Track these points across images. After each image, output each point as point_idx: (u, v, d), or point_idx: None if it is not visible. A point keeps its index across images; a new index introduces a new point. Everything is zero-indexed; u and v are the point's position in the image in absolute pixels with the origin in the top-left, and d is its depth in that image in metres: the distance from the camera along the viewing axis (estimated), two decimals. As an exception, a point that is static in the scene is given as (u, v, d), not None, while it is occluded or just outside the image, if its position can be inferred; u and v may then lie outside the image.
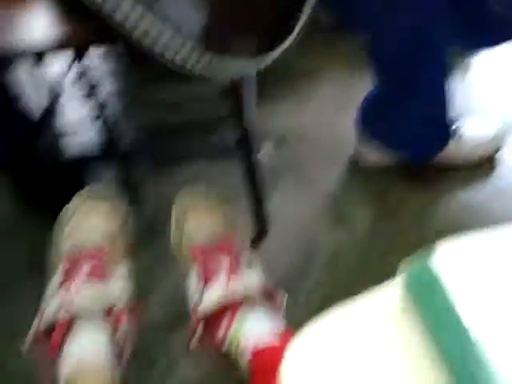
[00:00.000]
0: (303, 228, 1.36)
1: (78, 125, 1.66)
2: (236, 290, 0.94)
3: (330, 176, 1.49)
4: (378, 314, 0.44)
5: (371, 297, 0.46)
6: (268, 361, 0.84)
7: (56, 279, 0.94)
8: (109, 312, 0.90)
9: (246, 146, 1.26)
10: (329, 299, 1.20)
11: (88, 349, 0.86)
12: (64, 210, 1.04)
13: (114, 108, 1.75)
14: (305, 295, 1.22)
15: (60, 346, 0.86)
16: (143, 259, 1.34)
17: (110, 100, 1.78)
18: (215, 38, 0.91)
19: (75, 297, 0.89)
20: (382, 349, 0.42)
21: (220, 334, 0.91)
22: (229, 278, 0.95)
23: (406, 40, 1.21)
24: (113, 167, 1.61)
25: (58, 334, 0.86)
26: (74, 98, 1.69)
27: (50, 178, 1.39)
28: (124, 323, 0.91)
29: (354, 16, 1.25)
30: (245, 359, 0.88)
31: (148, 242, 1.38)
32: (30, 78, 1.56)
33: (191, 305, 0.97)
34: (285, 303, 0.97)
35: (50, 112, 1.41)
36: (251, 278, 0.97)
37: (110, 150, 1.61)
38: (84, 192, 1.06)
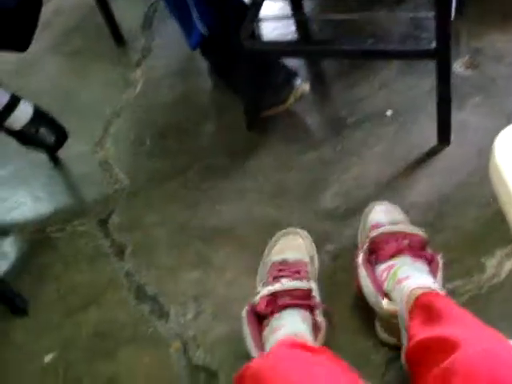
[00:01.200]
0: (485, 141, 1.35)
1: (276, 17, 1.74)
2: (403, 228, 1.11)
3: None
4: None
5: None
6: (432, 301, 0.94)
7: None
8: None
9: (443, 53, 1.26)
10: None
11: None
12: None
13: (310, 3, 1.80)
14: (477, 208, 1.23)
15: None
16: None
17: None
18: None
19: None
20: None
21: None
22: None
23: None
24: (304, 61, 1.68)
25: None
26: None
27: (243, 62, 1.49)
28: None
29: None
30: (402, 293, 0.98)
31: (334, 135, 1.46)
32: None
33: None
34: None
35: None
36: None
37: (303, 45, 1.67)
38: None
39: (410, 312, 0.95)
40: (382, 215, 1.20)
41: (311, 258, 1.17)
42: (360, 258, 1.10)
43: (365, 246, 1.11)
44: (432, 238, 1.13)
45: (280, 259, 1.17)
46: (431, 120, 1.37)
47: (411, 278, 1.01)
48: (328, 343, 1.04)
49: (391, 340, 1.06)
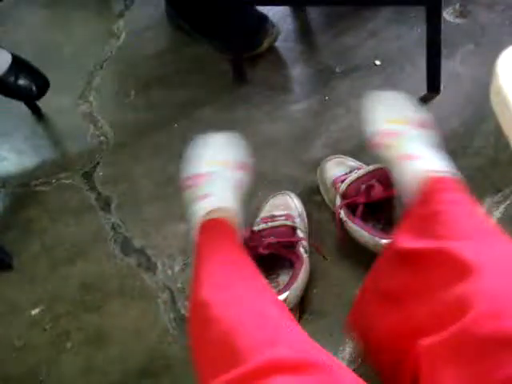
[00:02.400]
0: (476, 91, 1.34)
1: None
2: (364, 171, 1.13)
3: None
4: None
5: None
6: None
7: None
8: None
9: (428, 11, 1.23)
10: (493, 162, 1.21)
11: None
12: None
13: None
14: (467, 158, 1.22)
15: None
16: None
17: None
18: None
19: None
20: None
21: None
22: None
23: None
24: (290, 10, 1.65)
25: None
26: None
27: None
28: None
29: None
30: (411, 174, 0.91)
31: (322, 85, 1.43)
32: None
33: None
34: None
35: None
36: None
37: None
38: None
39: (415, 200, 0.86)
40: (336, 169, 1.20)
41: (299, 214, 1.17)
42: (343, 216, 1.11)
43: (340, 203, 1.12)
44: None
45: (269, 215, 1.16)
46: (420, 70, 1.35)
47: (421, 158, 0.92)
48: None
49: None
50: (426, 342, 0.63)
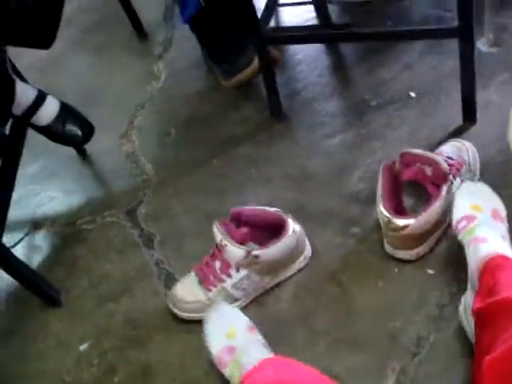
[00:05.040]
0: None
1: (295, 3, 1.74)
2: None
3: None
4: None
5: None
6: None
7: None
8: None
9: (466, 30, 1.24)
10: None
11: None
12: None
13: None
14: (507, 188, 1.22)
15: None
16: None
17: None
18: None
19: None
20: None
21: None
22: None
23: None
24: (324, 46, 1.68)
25: None
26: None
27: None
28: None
29: None
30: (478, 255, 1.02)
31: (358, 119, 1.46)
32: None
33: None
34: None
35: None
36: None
37: (324, 29, 1.66)
38: None
39: (481, 275, 0.99)
40: (450, 149, 1.26)
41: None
42: (382, 165, 1.20)
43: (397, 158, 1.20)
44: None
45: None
46: (455, 100, 1.36)
47: (489, 241, 1.03)
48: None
49: (396, 253, 1.16)
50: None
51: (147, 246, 1.33)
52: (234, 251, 1.13)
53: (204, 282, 1.17)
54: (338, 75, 1.61)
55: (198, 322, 1.14)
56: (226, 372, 1.03)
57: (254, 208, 1.22)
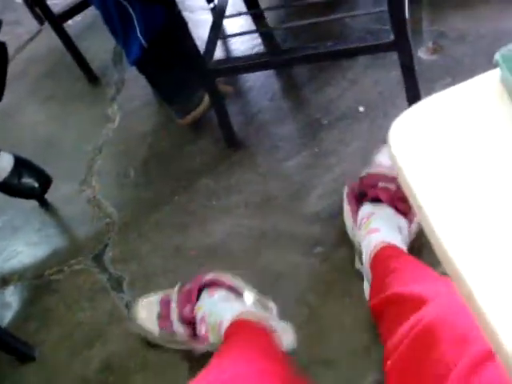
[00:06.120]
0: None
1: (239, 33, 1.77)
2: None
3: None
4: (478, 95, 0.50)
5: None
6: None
7: None
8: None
9: (402, 43, 1.28)
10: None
11: None
12: None
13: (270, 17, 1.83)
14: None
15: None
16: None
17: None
18: None
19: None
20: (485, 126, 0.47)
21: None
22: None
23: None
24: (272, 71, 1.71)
25: None
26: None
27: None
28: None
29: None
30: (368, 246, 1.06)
31: (311, 138, 1.48)
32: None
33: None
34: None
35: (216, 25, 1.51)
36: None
37: (269, 57, 1.69)
38: None
39: (372, 266, 1.03)
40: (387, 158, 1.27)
41: None
42: (345, 193, 1.21)
43: (356, 183, 1.21)
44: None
45: None
46: (402, 110, 1.38)
47: (380, 231, 1.07)
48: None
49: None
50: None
51: (116, 289, 1.33)
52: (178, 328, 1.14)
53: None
54: (289, 97, 1.64)
55: (175, 356, 1.15)
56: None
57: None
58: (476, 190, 0.44)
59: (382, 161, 1.25)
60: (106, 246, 1.43)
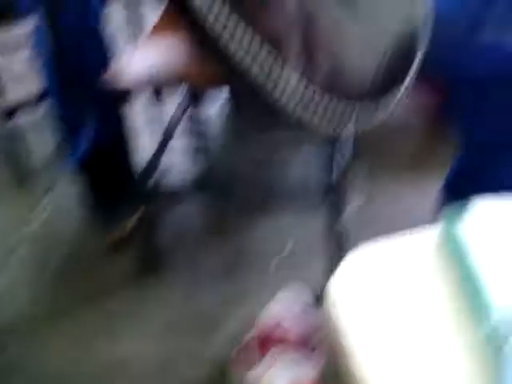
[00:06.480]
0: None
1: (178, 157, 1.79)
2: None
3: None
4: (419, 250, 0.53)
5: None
6: None
7: None
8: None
9: (332, 205, 1.33)
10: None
11: None
12: None
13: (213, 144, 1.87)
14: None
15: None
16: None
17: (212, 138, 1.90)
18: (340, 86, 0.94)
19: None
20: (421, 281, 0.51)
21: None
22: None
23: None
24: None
25: None
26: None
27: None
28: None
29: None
30: None
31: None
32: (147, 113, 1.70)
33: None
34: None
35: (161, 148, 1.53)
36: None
37: (203, 183, 1.73)
38: None
39: None
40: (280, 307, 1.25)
41: None
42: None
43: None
44: None
45: None
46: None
47: None
48: None
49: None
50: None
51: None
52: None
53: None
54: (213, 229, 1.64)
55: None
56: None
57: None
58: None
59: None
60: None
